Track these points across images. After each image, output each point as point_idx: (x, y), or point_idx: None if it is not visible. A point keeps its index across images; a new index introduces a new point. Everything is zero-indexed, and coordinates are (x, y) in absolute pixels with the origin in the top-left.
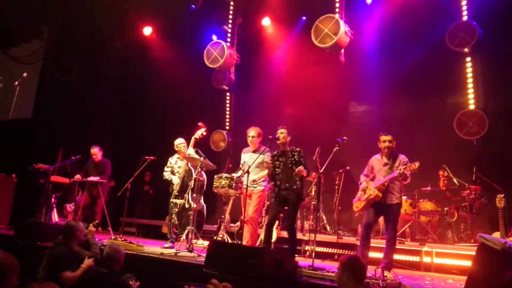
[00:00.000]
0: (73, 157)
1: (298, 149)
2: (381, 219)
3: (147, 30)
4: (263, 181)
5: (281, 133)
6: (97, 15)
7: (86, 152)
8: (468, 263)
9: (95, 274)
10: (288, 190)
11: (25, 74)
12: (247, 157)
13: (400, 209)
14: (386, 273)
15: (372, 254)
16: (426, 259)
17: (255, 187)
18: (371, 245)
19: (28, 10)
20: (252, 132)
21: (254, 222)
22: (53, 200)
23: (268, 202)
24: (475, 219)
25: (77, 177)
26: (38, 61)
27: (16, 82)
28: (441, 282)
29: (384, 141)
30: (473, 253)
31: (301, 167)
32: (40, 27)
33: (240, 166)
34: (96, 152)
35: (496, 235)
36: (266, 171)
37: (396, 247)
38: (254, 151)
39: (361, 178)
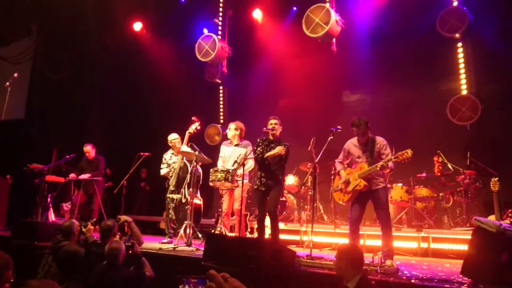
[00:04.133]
0: (67, 156)
1: (287, 144)
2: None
3: (137, 26)
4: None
5: (275, 124)
6: (86, 12)
7: (81, 150)
8: (464, 247)
9: (101, 269)
10: (274, 180)
11: (16, 74)
12: (230, 151)
13: (387, 194)
14: (388, 261)
15: (370, 242)
16: (423, 245)
17: (238, 180)
18: (369, 233)
19: (16, 8)
20: (231, 125)
21: (239, 214)
22: (49, 200)
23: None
24: (470, 203)
25: (72, 176)
26: (28, 60)
27: (7, 83)
28: (438, 266)
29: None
30: (469, 237)
31: (281, 147)
32: (29, 25)
33: (224, 157)
34: (89, 149)
35: (492, 218)
36: (248, 165)
37: (393, 234)
38: (236, 145)
39: (338, 166)
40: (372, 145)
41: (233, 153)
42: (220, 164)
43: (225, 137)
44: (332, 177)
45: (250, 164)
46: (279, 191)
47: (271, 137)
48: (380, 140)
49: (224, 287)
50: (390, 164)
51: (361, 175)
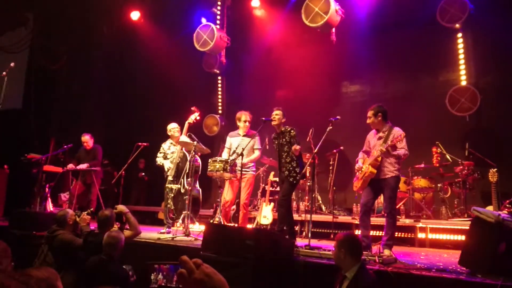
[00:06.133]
0: (65, 146)
1: (289, 128)
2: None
3: (135, 15)
4: (252, 165)
5: (276, 114)
6: (83, 1)
7: (78, 140)
8: (462, 238)
9: (96, 261)
10: (285, 171)
11: (12, 64)
12: (237, 141)
13: (398, 183)
14: (386, 251)
15: None
16: (421, 235)
17: (246, 171)
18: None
19: None
20: (247, 116)
21: (246, 206)
22: (47, 190)
23: (263, 185)
24: (469, 194)
25: (70, 166)
26: (24, 49)
27: (4, 73)
28: (436, 257)
29: (367, 117)
30: (467, 227)
31: (295, 146)
32: (25, 14)
33: (231, 148)
34: (87, 139)
35: (490, 209)
36: (253, 156)
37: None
38: (244, 135)
39: (359, 155)
40: (388, 134)
41: (241, 144)
42: (225, 156)
43: (223, 128)
44: (331, 168)
45: (256, 154)
46: (289, 184)
47: (276, 130)
48: (396, 130)
49: (195, 273)
50: (399, 151)
51: (370, 161)
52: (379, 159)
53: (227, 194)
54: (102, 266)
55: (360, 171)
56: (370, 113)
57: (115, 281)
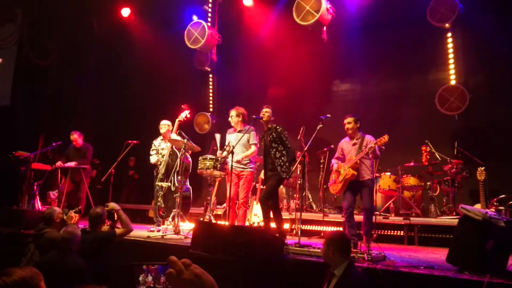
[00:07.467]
0: (54, 144)
1: (275, 125)
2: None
3: (125, 12)
4: (250, 162)
5: (266, 112)
6: None
7: (68, 138)
8: (450, 235)
9: (54, 256)
10: (271, 170)
11: (0, 60)
12: (233, 138)
13: (374, 184)
14: (369, 240)
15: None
16: (410, 233)
17: (244, 169)
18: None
19: None
20: (232, 112)
21: (244, 205)
22: (35, 187)
23: (254, 183)
24: (457, 192)
25: (59, 163)
26: (13, 45)
27: None
28: (425, 254)
29: (345, 124)
30: (455, 225)
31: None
32: (13, 9)
33: (225, 147)
34: (76, 137)
35: (477, 207)
36: (250, 151)
37: (381, 222)
38: (239, 131)
39: (332, 161)
40: (361, 141)
41: (235, 140)
42: (224, 153)
43: (214, 126)
44: (321, 166)
45: (253, 150)
46: (274, 181)
47: (264, 127)
48: (368, 137)
49: (184, 273)
50: (377, 152)
51: (350, 165)
52: (358, 162)
53: (229, 192)
54: (61, 261)
55: (338, 174)
56: (350, 119)
57: (77, 274)
